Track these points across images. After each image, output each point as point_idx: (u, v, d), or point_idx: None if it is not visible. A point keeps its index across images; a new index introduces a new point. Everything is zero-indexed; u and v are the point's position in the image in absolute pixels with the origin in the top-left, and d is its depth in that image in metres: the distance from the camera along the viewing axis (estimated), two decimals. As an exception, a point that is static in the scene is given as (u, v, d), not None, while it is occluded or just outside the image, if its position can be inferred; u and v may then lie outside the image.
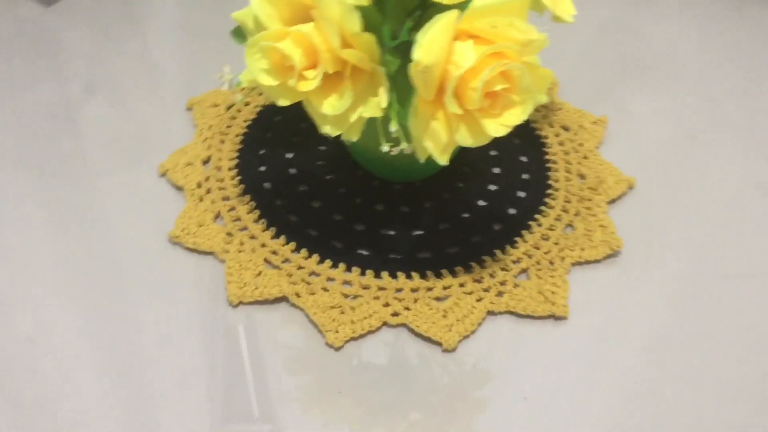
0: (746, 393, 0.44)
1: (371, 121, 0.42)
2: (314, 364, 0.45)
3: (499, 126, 0.39)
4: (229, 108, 0.60)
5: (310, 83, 0.39)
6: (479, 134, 0.39)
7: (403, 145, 0.41)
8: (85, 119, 0.61)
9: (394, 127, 0.40)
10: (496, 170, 0.56)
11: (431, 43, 0.36)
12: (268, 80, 0.40)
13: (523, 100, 0.38)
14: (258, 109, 0.61)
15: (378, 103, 0.40)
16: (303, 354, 0.46)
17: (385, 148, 0.41)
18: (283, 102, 0.41)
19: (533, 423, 0.43)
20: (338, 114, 0.40)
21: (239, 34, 0.43)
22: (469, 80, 0.37)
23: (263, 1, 0.38)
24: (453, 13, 0.37)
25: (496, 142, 0.58)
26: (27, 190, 0.55)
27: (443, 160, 0.40)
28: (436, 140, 0.39)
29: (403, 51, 0.40)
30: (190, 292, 0.49)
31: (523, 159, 0.57)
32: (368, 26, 0.39)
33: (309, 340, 0.46)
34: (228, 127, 0.59)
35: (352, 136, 0.41)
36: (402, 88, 0.41)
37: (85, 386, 0.44)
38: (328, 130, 0.41)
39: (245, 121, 0.60)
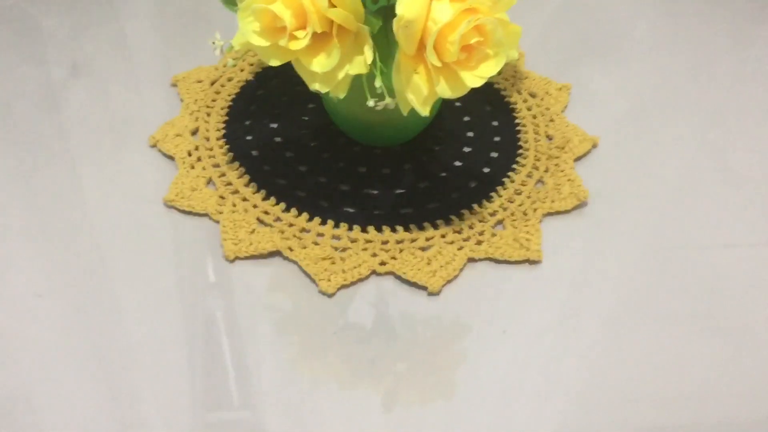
0: (706, 330, 0.49)
1: (355, 85, 0.46)
2: (310, 315, 0.48)
3: (475, 77, 0.42)
4: (212, 84, 0.63)
5: (300, 42, 0.42)
6: (458, 85, 0.43)
7: (387, 100, 0.45)
8: (71, 101, 0.63)
9: (378, 82, 0.44)
10: (470, 134, 0.60)
11: (412, 0, 0.40)
12: (260, 41, 0.43)
13: (496, 53, 0.42)
14: (241, 83, 0.63)
15: (364, 60, 0.43)
16: (295, 309, 0.49)
17: (371, 102, 0.45)
18: (274, 62, 0.44)
19: (513, 357, 0.47)
20: (327, 71, 0.43)
21: (230, 0, 0.46)
22: (446, 35, 0.41)
23: (254, -32, 0.41)
24: (431, -27, 0.41)
25: (469, 108, 0.62)
26: (19, 173, 0.56)
27: (425, 111, 0.44)
28: (418, 93, 0.43)
29: (383, 14, 0.44)
30: (189, 251, 0.52)
31: (495, 123, 0.61)
32: (352, -12, 0.42)
33: (301, 294, 0.49)
34: (213, 101, 0.62)
35: (340, 93, 0.45)
36: (384, 49, 0.45)
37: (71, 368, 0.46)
38: (317, 87, 0.44)
39: (229, 95, 0.62)
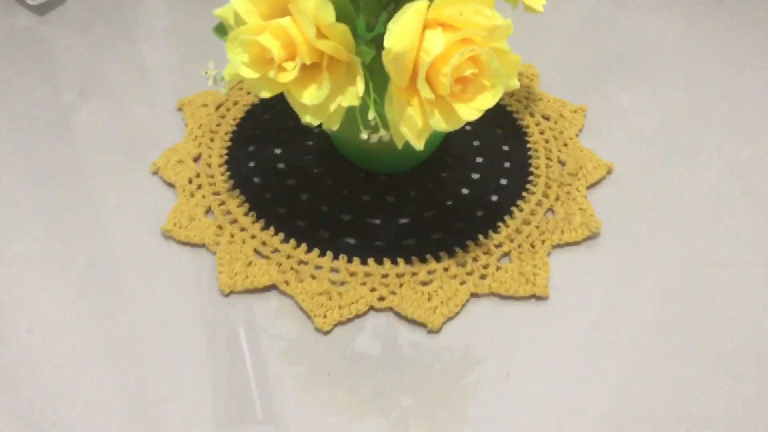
0: (721, 371, 0.46)
1: (351, 113, 0.44)
2: (307, 352, 0.47)
3: (471, 110, 0.40)
4: (218, 108, 0.62)
5: (289, 74, 0.40)
6: (452, 118, 0.41)
7: (381, 132, 0.43)
8: (80, 124, 0.62)
9: (371, 114, 0.42)
10: (479, 159, 0.58)
11: (402, 31, 0.38)
12: (249, 73, 0.41)
13: (493, 84, 0.40)
14: (246, 107, 0.62)
15: (355, 92, 0.41)
16: (295, 341, 0.47)
17: (364, 135, 0.43)
18: (264, 93, 0.42)
19: (517, 399, 0.44)
20: (317, 103, 0.42)
21: (221, 30, 0.45)
22: (439, 66, 0.39)
23: (242, -2, 0.40)
24: (423, 2, 0.39)
25: (479, 132, 0.60)
26: (25, 194, 0.56)
27: (419, 144, 0.42)
28: (412, 125, 0.41)
29: (379, 42, 0.42)
30: (184, 284, 0.51)
31: (505, 148, 0.59)
32: (343, 18, 0.40)
33: (300, 327, 0.48)
34: (217, 125, 0.61)
35: (332, 125, 0.43)
36: (379, 77, 0.43)
37: (87, 385, 0.45)
38: (308, 119, 0.42)
39: (234, 120, 0.61)
